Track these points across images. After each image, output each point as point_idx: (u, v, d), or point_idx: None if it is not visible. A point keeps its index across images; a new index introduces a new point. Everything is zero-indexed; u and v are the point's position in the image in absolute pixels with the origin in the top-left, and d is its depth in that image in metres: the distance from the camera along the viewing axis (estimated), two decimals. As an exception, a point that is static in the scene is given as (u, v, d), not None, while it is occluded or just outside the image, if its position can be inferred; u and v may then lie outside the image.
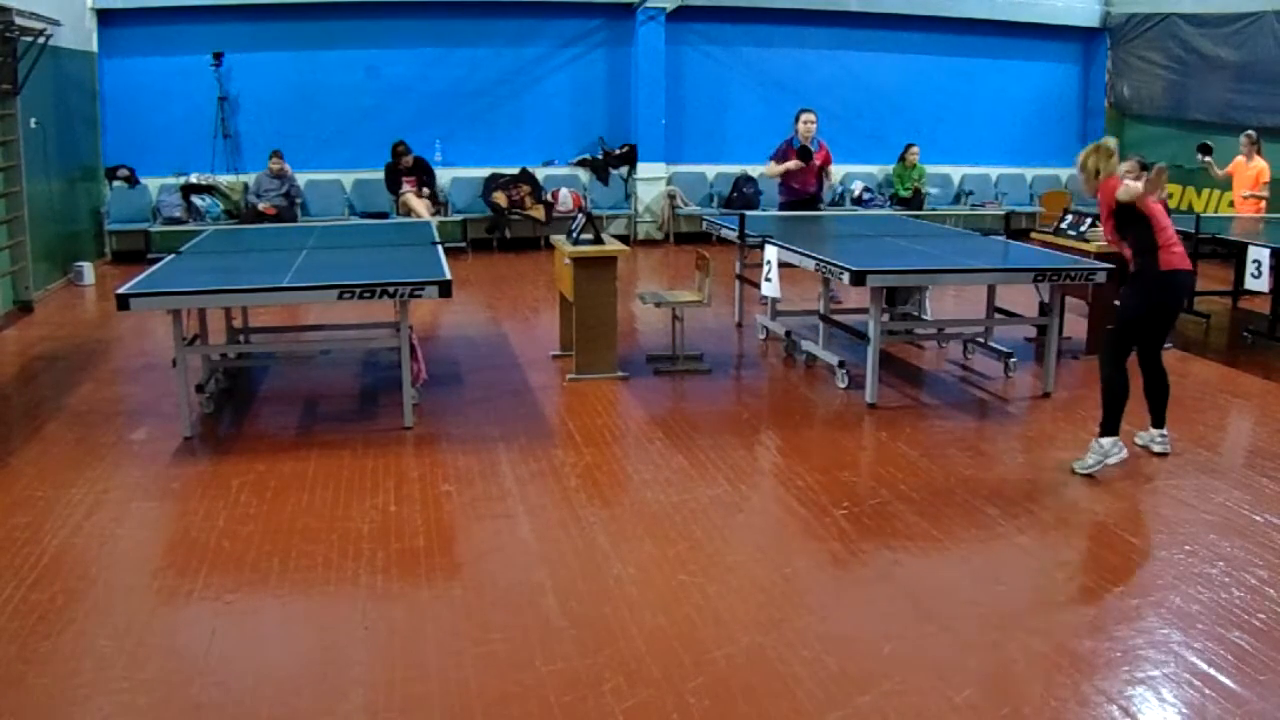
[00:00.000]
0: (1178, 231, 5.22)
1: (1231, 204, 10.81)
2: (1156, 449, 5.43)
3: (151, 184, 12.17)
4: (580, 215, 6.99)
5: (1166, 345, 7.70)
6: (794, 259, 6.83)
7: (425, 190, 12.25)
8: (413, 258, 6.72)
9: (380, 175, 12.36)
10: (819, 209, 9.67)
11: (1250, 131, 10.39)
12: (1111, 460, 5.12)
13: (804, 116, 9.15)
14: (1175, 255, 5.11)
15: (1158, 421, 5.44)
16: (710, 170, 13.72)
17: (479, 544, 4.38)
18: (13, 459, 5.36)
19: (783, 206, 9.41)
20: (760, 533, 4.55)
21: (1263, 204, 10.19)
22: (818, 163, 9.10)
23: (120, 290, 5.34)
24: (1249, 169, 10.26)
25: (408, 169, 12.21)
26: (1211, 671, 3.34)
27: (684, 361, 7.18)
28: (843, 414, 6.22)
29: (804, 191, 9.24)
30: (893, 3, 13.67)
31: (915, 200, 13.33)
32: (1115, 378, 5.20)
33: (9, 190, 9.14)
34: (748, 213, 8.83)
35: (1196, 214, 9.27)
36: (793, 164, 8.98)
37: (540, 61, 13.24)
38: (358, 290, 5.46)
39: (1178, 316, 5.54)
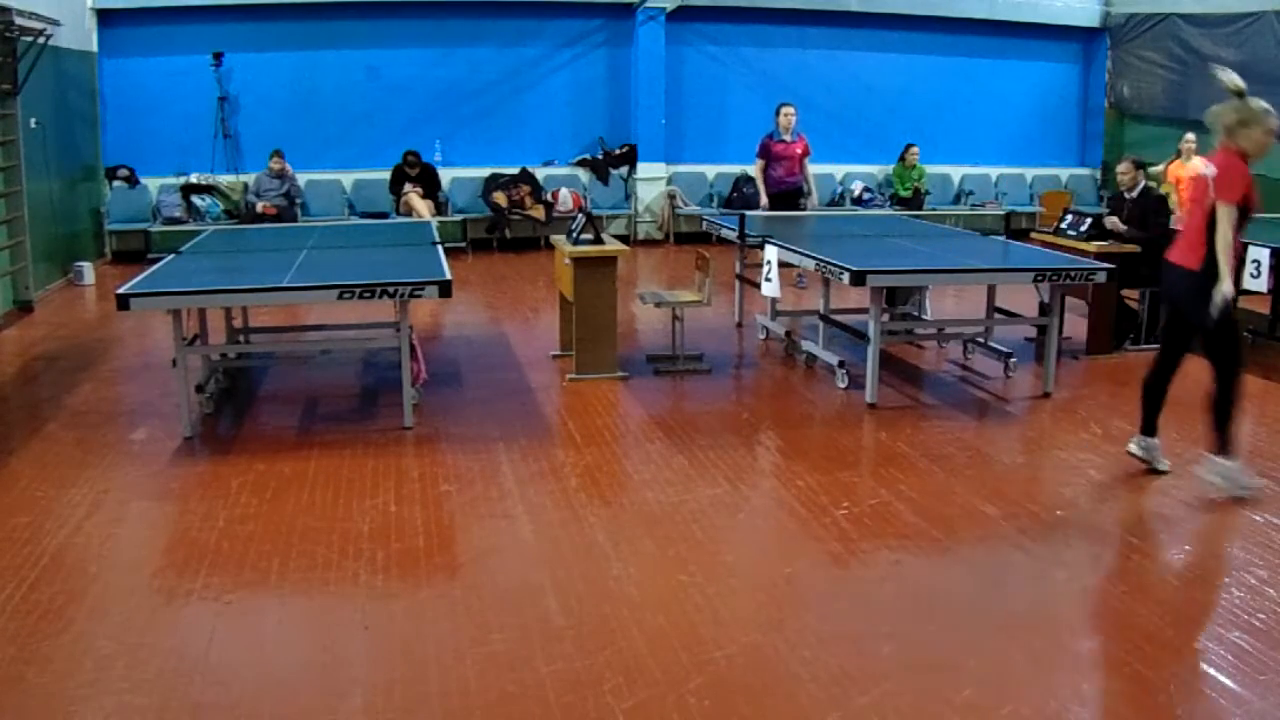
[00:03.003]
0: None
1: None
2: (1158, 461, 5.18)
3: (151, 184, 12.16)
4: (580, 215, 6.98)
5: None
6: (794, 259, 6.84)
7: (420, 190, 12.24)
8: (413, 258, 6.72)
9: (382, 175, 12.37)
10: (802, 203, 9.84)
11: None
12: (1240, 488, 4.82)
13: (784, 110, 9.61)
14: (1171, 249, 5.01)
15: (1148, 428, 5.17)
16: (710, 170, 13.71)
17: (479, 544, 4.38)
18: (13, 459, 5.36)
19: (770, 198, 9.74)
20: (760, 533, 4.55)
21: None
22: (799, 151, 9.34)
23: (120, 290, 5.34)
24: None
25: (413, 177, 12.24)
26: (1211, 671, 3.34)
27: (684, 361, 7.17)
28: (843, 414, 6.22)
29: (786, 182, 9.49)
30: (893, 3, 13.67)
31: (915, 200, 13.33)
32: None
33: (9, 190, 9.14)
34: (748, 213, 8.84)
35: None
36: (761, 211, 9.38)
37: (540, 61, 13.24)
38: (358, 290, 5.46)
39: (1174, 309, 5.15)
